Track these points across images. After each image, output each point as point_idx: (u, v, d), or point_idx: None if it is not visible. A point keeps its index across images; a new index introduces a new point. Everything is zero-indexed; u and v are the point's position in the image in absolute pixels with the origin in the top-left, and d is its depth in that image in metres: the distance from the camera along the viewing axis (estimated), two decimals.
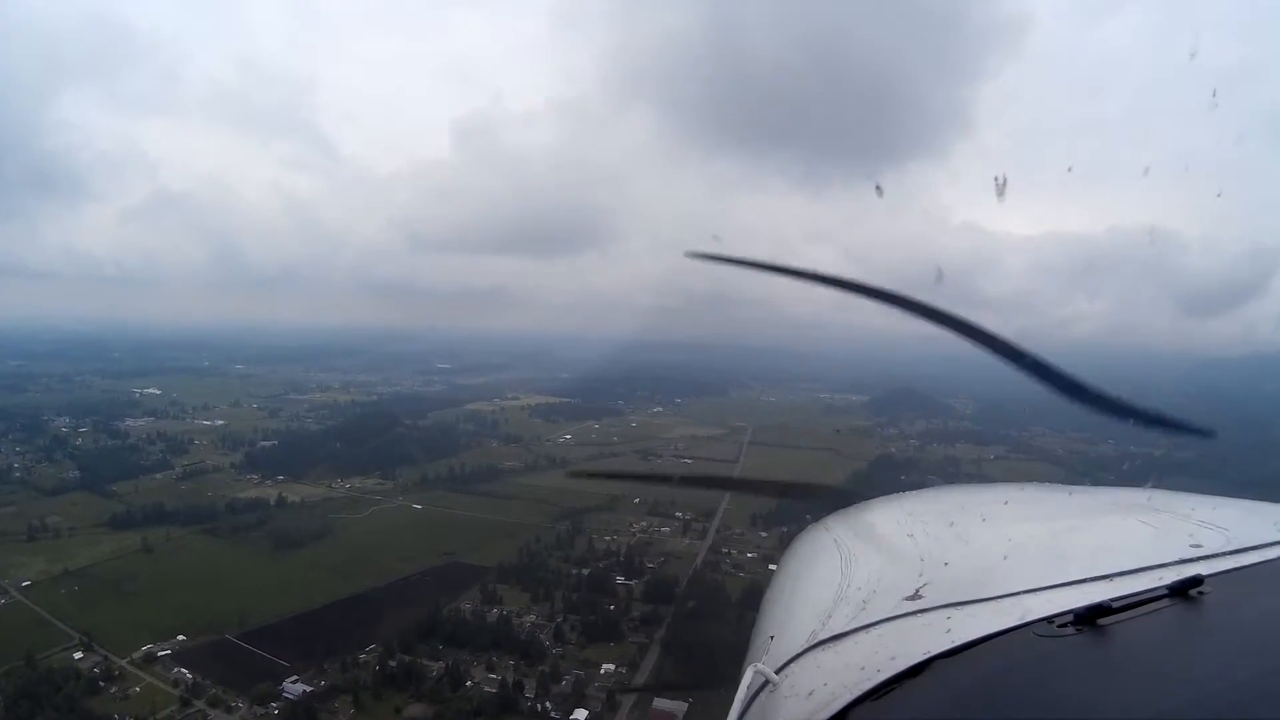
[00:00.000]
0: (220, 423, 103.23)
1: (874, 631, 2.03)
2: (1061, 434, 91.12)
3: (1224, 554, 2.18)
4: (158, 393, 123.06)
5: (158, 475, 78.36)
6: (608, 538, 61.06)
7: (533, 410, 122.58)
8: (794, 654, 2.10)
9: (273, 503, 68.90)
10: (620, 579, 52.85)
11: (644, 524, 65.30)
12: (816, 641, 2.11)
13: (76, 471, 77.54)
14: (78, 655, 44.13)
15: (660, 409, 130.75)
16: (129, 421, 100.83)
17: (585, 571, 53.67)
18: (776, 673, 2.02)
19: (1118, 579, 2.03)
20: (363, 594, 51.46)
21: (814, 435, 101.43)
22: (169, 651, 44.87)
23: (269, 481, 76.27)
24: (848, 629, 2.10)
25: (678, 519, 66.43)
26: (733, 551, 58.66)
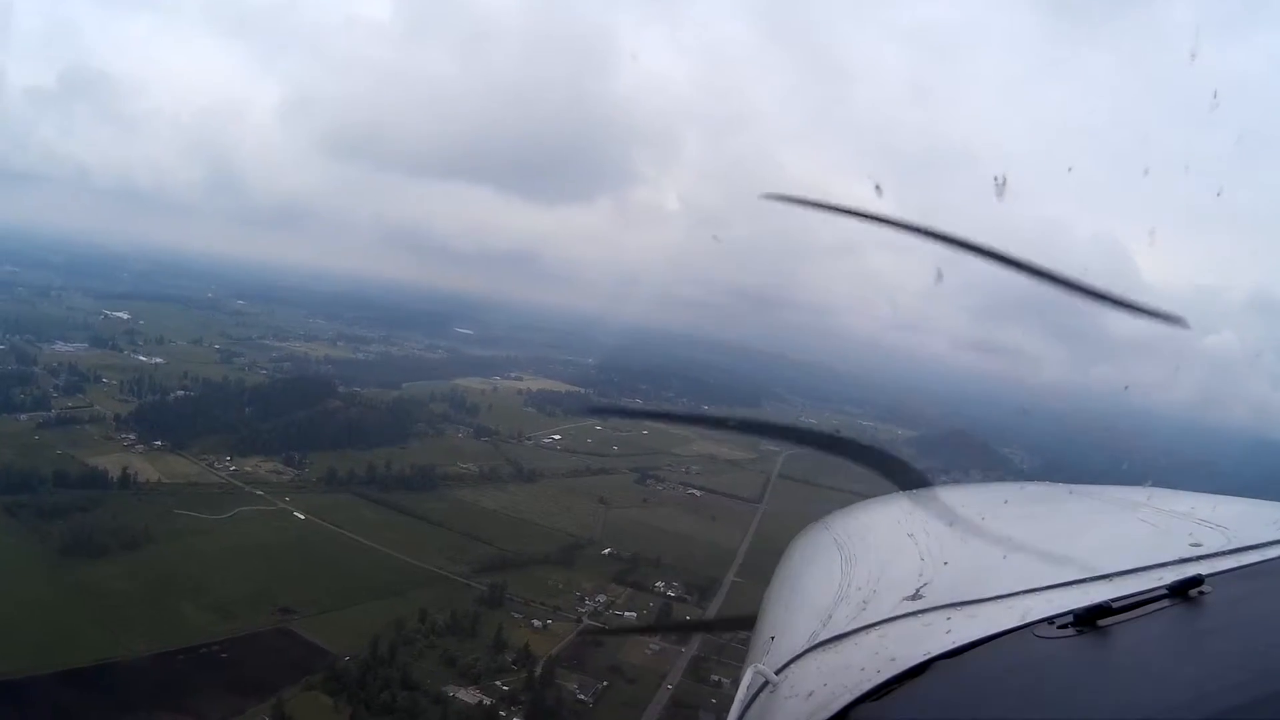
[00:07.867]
0: (158, 360, 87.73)
1: (874, 632, 2.01)
2: None
3: (1224, 553, 2.14)
4: (125, 317, 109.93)
5: (22, 417, 62.10)
6: (536, 622, 39.77)
7: (530, 396, 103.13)
8: (794, 654, 2.08)
9: (114, 479, 50.87)
10: None
11: (600, 599, 43.67)
12: (817, 642, 2.08)
13: None
14: None
15: None
16: (58, 345, 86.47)
17: (466, 699, 32.31)
18: (776, 673, 1.99)
19: (1118, 579, 2.00)
20: (115, 665, 32.26)
21: (856, 471, 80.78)
22: None
23: (141, 446, 58.62)
24: (848, 629, 2.07)
25: (656, 594, 44.85)
26: (725, 681, 36.37)
